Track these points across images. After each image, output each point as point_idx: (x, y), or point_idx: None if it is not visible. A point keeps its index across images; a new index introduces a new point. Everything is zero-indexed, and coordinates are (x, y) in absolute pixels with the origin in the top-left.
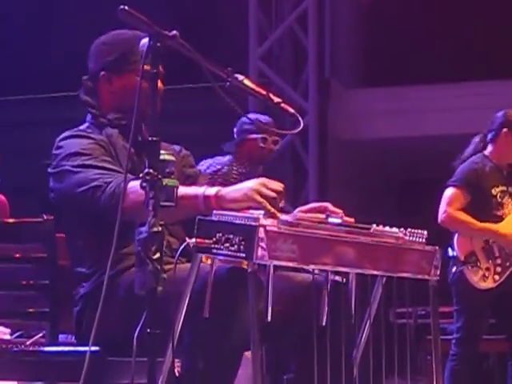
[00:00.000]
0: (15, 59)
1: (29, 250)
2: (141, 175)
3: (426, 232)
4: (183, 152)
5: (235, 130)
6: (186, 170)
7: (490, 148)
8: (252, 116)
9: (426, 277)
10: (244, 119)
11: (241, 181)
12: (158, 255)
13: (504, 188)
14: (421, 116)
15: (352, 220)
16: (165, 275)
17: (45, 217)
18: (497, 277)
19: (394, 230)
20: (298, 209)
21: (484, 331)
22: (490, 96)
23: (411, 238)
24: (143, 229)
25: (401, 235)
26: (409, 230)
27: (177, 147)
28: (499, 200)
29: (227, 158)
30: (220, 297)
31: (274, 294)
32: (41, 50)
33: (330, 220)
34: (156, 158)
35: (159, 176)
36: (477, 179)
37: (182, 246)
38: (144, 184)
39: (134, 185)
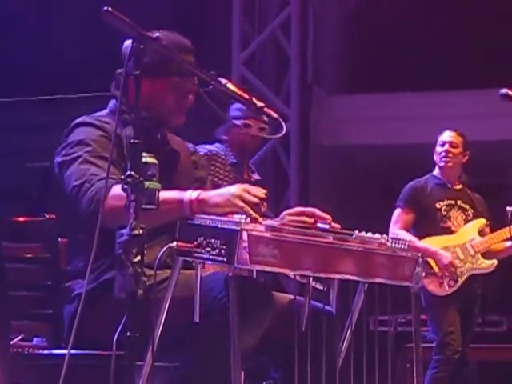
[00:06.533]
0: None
1: (34, 250)
2: (122, 177)
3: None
4: (198, 153)
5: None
6: (196, 172)
7: (436, 168)
8: None
9: (408, 284)
10: (233, 105)
11: (234, 172)
12: (138, 258)
13: (451, 202)
14: (403, 123)
15: (338, 226)
16: (145, 278)
17: (46, 216)
18: (452, 282)
19: (377, 235)
20: (286, 212)
21: (463, 337)
22: (473, 105)
23: (394, 245)
24: (124, 231)
25: (383, 241)
26: (391, 236)
27: (191, 146)
28: (444, 213)
29: (216, 145)
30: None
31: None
32: (28, 52)
33: (319, 225)
34: (138, 161)
35: (141, 178)
36: (417, 196)
37: (162, 251)
38: (125, 186)
39: (116, 191)
